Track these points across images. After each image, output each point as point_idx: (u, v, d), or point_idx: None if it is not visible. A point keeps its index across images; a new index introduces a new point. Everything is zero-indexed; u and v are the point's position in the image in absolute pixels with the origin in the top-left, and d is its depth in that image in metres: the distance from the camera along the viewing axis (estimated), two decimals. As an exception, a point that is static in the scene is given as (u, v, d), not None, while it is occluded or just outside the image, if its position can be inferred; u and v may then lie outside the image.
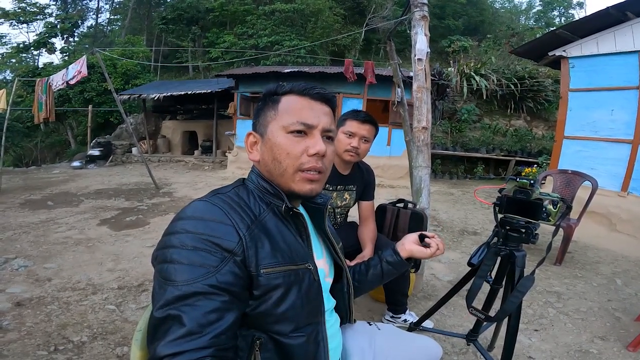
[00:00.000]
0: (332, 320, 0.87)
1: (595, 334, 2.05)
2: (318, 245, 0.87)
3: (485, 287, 1.41)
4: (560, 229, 3.08)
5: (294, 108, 0.76)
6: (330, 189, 1.80)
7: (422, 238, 1.02)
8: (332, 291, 0.91)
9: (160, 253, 0.66)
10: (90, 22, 21.98)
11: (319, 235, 0.90)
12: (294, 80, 0.82)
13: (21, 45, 17.39)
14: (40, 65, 15.97)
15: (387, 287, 1.92)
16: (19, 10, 16.88)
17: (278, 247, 0.72)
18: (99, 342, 1.81)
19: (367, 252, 1.79)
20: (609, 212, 4.06)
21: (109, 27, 22.65)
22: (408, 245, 1.00)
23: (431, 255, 0.99)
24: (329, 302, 0.87)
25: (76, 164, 9.30)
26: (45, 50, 16.72)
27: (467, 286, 1.39)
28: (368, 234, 1.87)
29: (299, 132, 0.75)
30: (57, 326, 1.93)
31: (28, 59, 19.26)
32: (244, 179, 0.83)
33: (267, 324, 0.70)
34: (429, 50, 2.30)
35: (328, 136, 0.79)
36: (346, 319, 0.95)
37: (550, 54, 4.83)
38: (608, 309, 2.36)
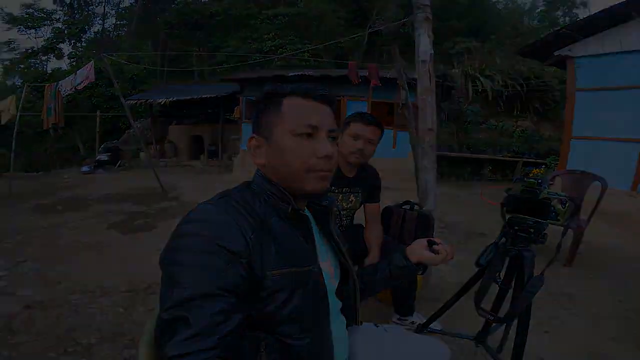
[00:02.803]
0: (338, 322, 0.87)
1: (608, 335, 2.02)
2: (323, 247, 0.87)
3: (494, 288, 1.39)
4: (570, 230, 3.04)
5: (300, 111, 0.76)
6: (336, 191, 1.80)
7: (430, 244, 1.01)
8: (339, 293, 0.91)
9: (167, 255, 0.67)
10: (97, 27, 22.33)
11: (325, 238, 0.90)
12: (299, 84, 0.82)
13: (29, 51, 17.69)
14: (49, 70, 16.23)
15: (395, 289, 1.91)
16: (27, 16, 17.19)
17: (283, 250, 0.72)
18: (107, 345, 1.82)
19: (373, 255, 1.79)
20: (619, 212, 4.01)
21: (115, 33, 22.95)
22: (419, 250, 1.00)
23: (441, 261, 0.98)
24: (335, 304, 0.87)
25: (85, 169, 9.41)
26: (54, 56, 17.02)
27: (476, 287, 1.38)
28: (374, 236, 1.86)
29: (307, 135, 0.75)
30: (66, 329, 1.95)
31: (37, 64, 19.54)
32: (249, 182, 0.83)
33: (272, 326, 0.70)
34: (432, 51, 2.29)
35: (332, 136, 0.79)
36: (352, 320, 0.95)
37: (555, 53, 4.80)
38: (620, 310, 2.32)
